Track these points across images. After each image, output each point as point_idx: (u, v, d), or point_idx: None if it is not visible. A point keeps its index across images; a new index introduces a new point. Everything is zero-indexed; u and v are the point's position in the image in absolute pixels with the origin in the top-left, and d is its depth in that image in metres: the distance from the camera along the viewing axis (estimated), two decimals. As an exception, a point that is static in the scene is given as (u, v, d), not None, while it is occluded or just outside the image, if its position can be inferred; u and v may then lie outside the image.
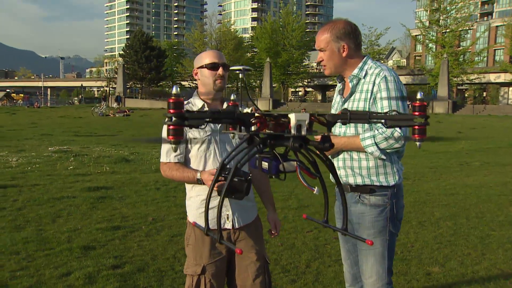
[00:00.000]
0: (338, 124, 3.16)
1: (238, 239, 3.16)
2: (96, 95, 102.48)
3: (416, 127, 1.91)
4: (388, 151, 2.94)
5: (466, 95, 77.60)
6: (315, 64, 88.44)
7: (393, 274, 3.24)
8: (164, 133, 3.17)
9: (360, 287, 3.31)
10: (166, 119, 1.73)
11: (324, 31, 3.08)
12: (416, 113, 1.90)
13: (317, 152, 2.06)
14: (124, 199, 8.44)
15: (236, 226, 3.15)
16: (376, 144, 2.89)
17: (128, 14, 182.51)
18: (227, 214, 3.13)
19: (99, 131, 24.45)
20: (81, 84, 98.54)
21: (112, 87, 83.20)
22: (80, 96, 61.76)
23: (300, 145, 1.89)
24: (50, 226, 6.69)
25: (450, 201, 8.43)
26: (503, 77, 67.26)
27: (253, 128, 2.05)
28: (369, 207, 3.02)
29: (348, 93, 3.12)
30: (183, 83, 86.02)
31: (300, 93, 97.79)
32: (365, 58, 3.11)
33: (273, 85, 67.17)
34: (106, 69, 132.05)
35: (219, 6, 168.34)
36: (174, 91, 1.77)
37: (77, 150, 15.30)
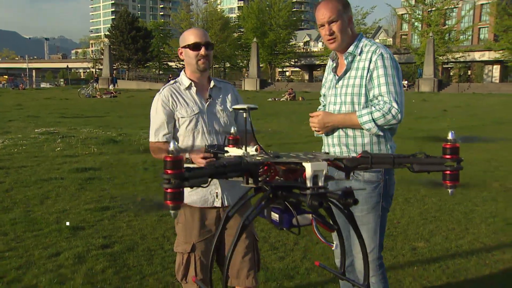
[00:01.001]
0: (332, 101, 3.15)
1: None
2: (82, 77, 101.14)
3: (448, 172, 1.75)
4: (385, 127, 2.94)
5: (451, 73, 77.77)
6: (302, 44, 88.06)
7: (383, 249, 3.27)
8: (153, 111, 3.15)
9: (350, 262, 3.32)
10: (164, 182, 1.58)
11: (331, 1, 2.98)
12: (448, 156, 1.75)
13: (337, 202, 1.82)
14: (112, 179, 8.43)
15: (226, 204, 3.15)
16: (373, 120, 2.88)
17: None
18: (216, 192, 3.13)
19: (86, 112, 24.21)
20: (67, 66, 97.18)
21: (98, 68, 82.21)
22: (92, 81, 58.62)
23: (320, 204, 1.72)
24: (38, 208, 6.68)
25: (435, 178, 8.49)
26: (487, 55, 67.43)
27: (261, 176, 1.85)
28: (363, 183, 3.01)
29: (343, 70, 3.09)
30: (170, 63, 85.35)
31: (287, 73, 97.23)
32: (359, 35, 3.08)
33: (260, 65, 66.74)
34: (92, 50, 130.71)
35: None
36: (171, 147, 1.59)
37: (64, 131, 15.17)
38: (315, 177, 1.75)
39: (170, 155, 1.56)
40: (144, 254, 5.02)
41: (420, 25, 63.54)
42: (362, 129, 2.96)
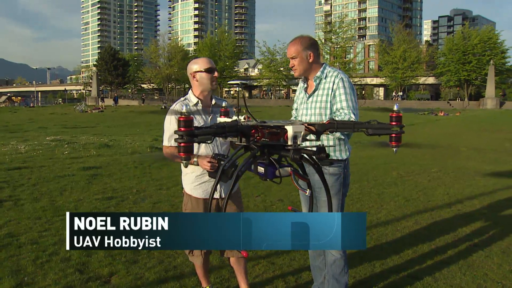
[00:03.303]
0: (304, 113, 3.13)
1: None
2: (75, 96, 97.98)
3: (393, 135, 1.80)
4: (345, 133, 2.94)
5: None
6: (242, 70, 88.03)
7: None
8: (168, 122, 3.03)
9: (322, 258, 3.27)
10: (177, 137, 1.58)
11: (295, 43, 3.02)
12: (393, 123, 1.80)
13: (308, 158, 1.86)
14: (111, 175, 8.09)
15: (223, 195, 3.09)
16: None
17: (99, 34, 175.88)
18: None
19: (81, 124, 23.36)
20: (65, 88, 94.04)
21: (88, 90, 79.92)
22: (101, 97, 56.95)
23: (301, 157, 1.76)
24: (59, 198, 6.36)
25: (354, 170, 8.61)
26: (375, 80, 70.01)
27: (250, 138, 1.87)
28: (328, 176, 3.01)
29: (312, 90, 3.09)
30: (142, 85, 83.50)
31: (231, 92, 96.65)
32: (324, 64, 3.09)
33: (213, 86, 66.43)
34: (83, 76, 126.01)
35: (169, 26, 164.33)
36: (184, 109, 1.57)
37: (68, 138, 14.52)
38: (295, 137, 1.77)
39: (183, 116, 1.52)
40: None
41: (329, 57, 64.79)
42: (328, 134, 2.96)
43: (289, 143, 1.77)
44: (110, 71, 71.97)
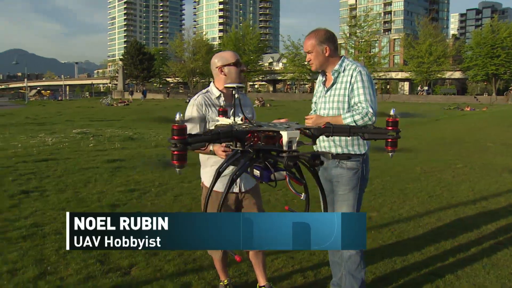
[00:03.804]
0: (322, 107, 3.08)
1: (244, 199, 3.09)
2: (102, 90, 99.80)
3: (389, 140, 1.79)
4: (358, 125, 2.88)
5: (376, 87, 78.85)
6: (267, 64, 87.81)
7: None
8: (189, 114, 3.01)
9: (340, 254, 3.22)
10: (172, 146, 1.58)
11: (310, 38, 2.98)
12: (390, 128, 1.79)
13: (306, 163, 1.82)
14: (135, 168, 8.17)
15: (242, 190, 3.07)
16: (354, 121, 2.82)
17: (125, 28, 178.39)
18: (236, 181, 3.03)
19: (107, 117, 23.69)
20: (91, 82, 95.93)
21: (114, 84, 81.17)
22: (129, 91, 58.55)
23: (295, 164, 1.72)
24: (83, 189, 6.48)
25: (376, 165, 8.49)
26: (400, 75, 68.68)
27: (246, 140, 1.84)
28: (346, 170, 2.97)
29: (331, 83, 3.03)
30: (167, 79, 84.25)
31: (256, 86, 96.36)
32: (342, 57, 3.03)
33: (236, 80, 66.54)
34: (109, 70, 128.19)
35: (194, 21, 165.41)
36: (177, 117, 1.57)
37: (94, 131, 14.75)
38: (290, 142, 1.74)
39: (176, 124, 1.52)
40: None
41: (353, 51, 63.97)
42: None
43: (284, 148, 1.74)
44: (135, 65, 72.98)
